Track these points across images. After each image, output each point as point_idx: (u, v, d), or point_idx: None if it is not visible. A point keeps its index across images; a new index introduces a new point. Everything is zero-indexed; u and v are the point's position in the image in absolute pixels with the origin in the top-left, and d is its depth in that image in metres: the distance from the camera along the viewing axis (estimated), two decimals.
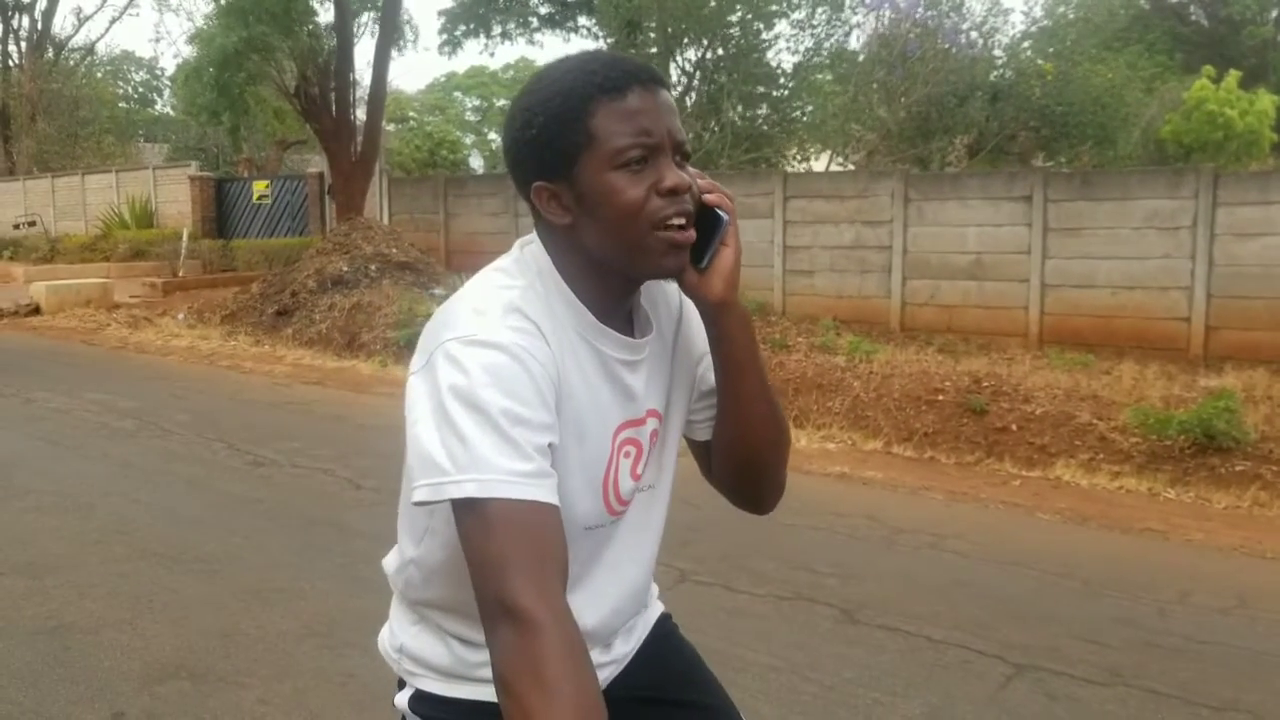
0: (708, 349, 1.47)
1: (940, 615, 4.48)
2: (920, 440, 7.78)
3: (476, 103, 39.16)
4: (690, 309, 1.51)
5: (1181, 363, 9.54)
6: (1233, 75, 17.28)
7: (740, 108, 16.23)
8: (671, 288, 1.49)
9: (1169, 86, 19.02)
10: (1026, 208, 10.60)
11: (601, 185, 1.29)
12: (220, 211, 19.68)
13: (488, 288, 1.35)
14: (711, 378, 1.49)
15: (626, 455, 1.42)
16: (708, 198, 1.35)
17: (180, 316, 14.06)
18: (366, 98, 15.63)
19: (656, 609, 1.69)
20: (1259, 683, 3.90)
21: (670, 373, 1.50)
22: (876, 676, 3.88)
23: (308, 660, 4.03)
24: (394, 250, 13.65)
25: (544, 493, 1.18)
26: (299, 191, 18.17)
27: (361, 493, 6.31)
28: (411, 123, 28.28)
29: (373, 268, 13.25)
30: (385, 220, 15.69)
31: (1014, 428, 7.75)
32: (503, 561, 1.13)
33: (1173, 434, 7.14)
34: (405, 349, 11.34)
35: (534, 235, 1.41)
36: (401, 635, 1.53)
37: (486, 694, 1.41)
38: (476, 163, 24.98)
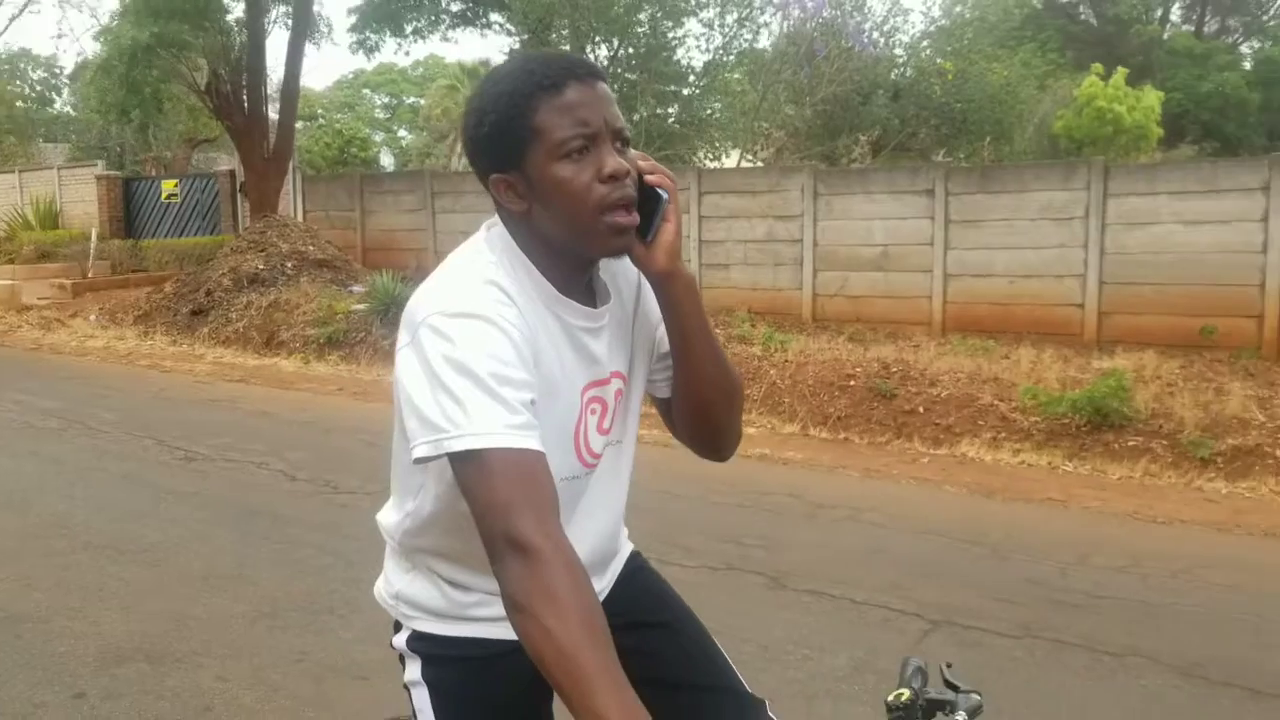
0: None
1: (861, 579, 4.79)
2: (834, 423, 8.13)
3: (386, 100, 38.75)
4: None
5: (1076, 346, 10.04)
6: (1121, 72, 18.03)
7: (653, 104, 16.51)
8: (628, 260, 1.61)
9: (1061, 83, 19.79)
10: (929, 201, 11.03)
11: (550, 175, 1.42)
12: (128, 211, 19.28)
13: (463, 264, 1.48)
14: (666, 344, 1.64)
15: (593, 412, 1.56)
16: (649, 178, 1.48)
17: (92, 318, 13.86)
18: (279, 94, 15.52)
19: (627, 548, 1.87)
20: (1152, 631, 4.28)
21: (632, 337, 1.65)
22: (806, 635, 4.16)
23: (261, 640, 4.16)
24: (311, 248, 13.63)
25: (533, 441, 1.32)
26: (209, 190, 17.92)
27: (297, 484, 6.42)
28: (321, 120, 27.99)
29: (289, 266, 13.22)
30: (299, 218, 15.62)
31: (921, 410, 8.15)
32: (505, 503, 1.27)
33: (1065, 412, 7.60)
34: (327, 346, 11.39)
35: (497, 218, 1.54)
36: (397, 583, 1.66)
37: (477, 630, 1.60)
38: (387, 160, 24.88)
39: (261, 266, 13.13)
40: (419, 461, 1.36)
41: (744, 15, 16.83)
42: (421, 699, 1.63)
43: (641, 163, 1.49)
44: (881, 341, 10.38)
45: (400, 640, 1.67)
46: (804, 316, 11.66)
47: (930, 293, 11.05)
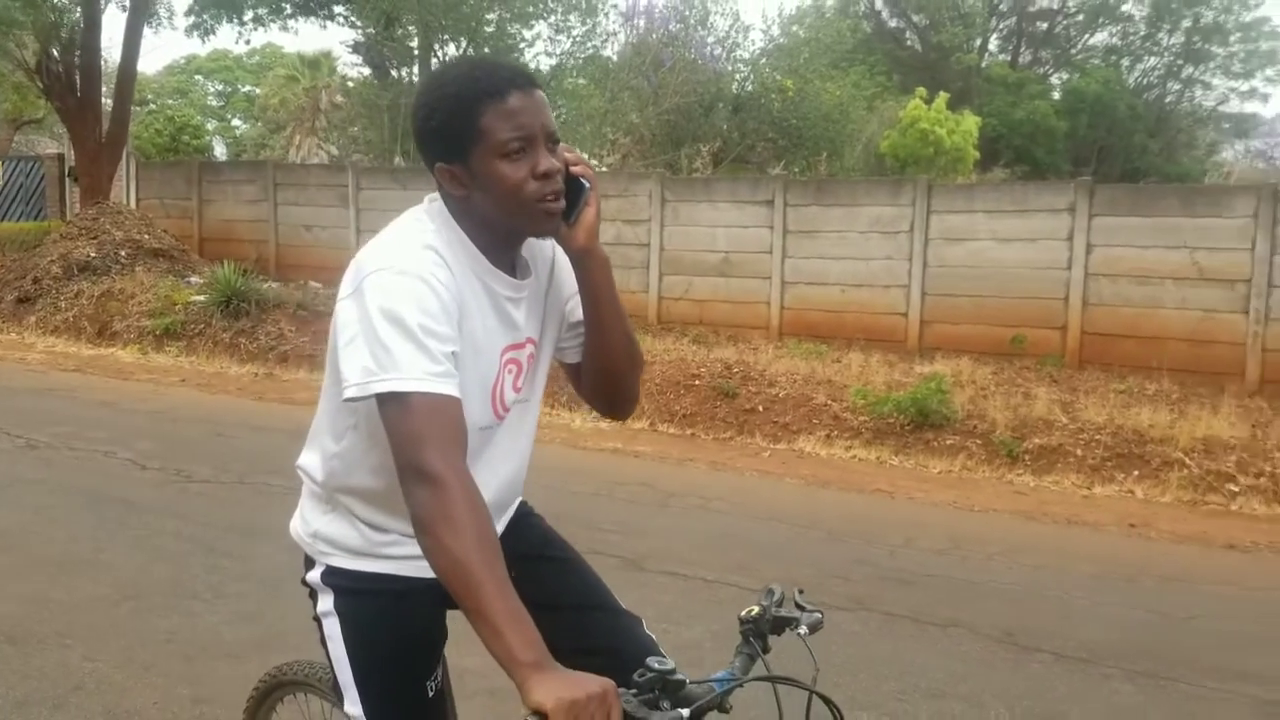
0: (575, 291, 1.83)
1: (712, 561, 5.13)
2: (681, 420, 8.50)
3: (219, 87, 37.44)
4: (560, 259, 1.85)
5: (900, 352, 10.68)
6: (942, 97, 19.08)
7: None
8: (545, 242, 1.82)
9: (887, 105, 20.79)
10: (769, 211, 11.54)
11: (491, 171, 1.62)
12: None
13: (407, 230, 1.68)
14: (578, 313, 1.85)
15: (510, 371, 1.77)
16: (574, 169, 1.69)
17: None
18: (113, 77, 14.95)
19: (519, 499, 2.09)
20: (971, 605, 4.76)
21: (544, 309, 1.85)
22: (664, 611, 4.45)
23: (127, 622, 4.19)
24: (146, 237, 13.22)
25: (450, 387, 1.51)
26: (34, 173, 17.02)
27: (148, 473, 6.35)
28: (151, 106, 26.86)
29: (123, 254, 12.80)
30: (133, 205, 15.08)
31: (761, 408, 8.60)
32: (417, 438, 1.46)
33: (890, 412, 8.17)
34: (165, 337, 11.13)
35: (437, 194, 1.73)
36: (315, 522, 1.84)
37: (388, 567, 1.79)
38: (220, 150, 24.12)
39: (94, 254, 12.68)
40: (349, 401, 1.55)
41: (587, 19, 17.16)
42: (332, 627, 1.81)
43: (568, 155, 1.69)
44: (723, 344, 10.82)
45: (315, 575, 1.84)
46: (650, 318, 12.00)
47: (769, 298, 11.55)
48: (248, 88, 35.53)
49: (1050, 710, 3.74)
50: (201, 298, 11.55)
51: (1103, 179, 13.23)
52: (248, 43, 18.94)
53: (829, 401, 8.59)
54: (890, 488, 6.88)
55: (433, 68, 17.12)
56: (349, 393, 1.53)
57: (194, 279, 12.55)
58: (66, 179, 16.02)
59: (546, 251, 1.86)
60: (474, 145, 1.62)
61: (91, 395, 8.82)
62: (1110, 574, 5.30)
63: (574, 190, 1.69)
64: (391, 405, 1.49)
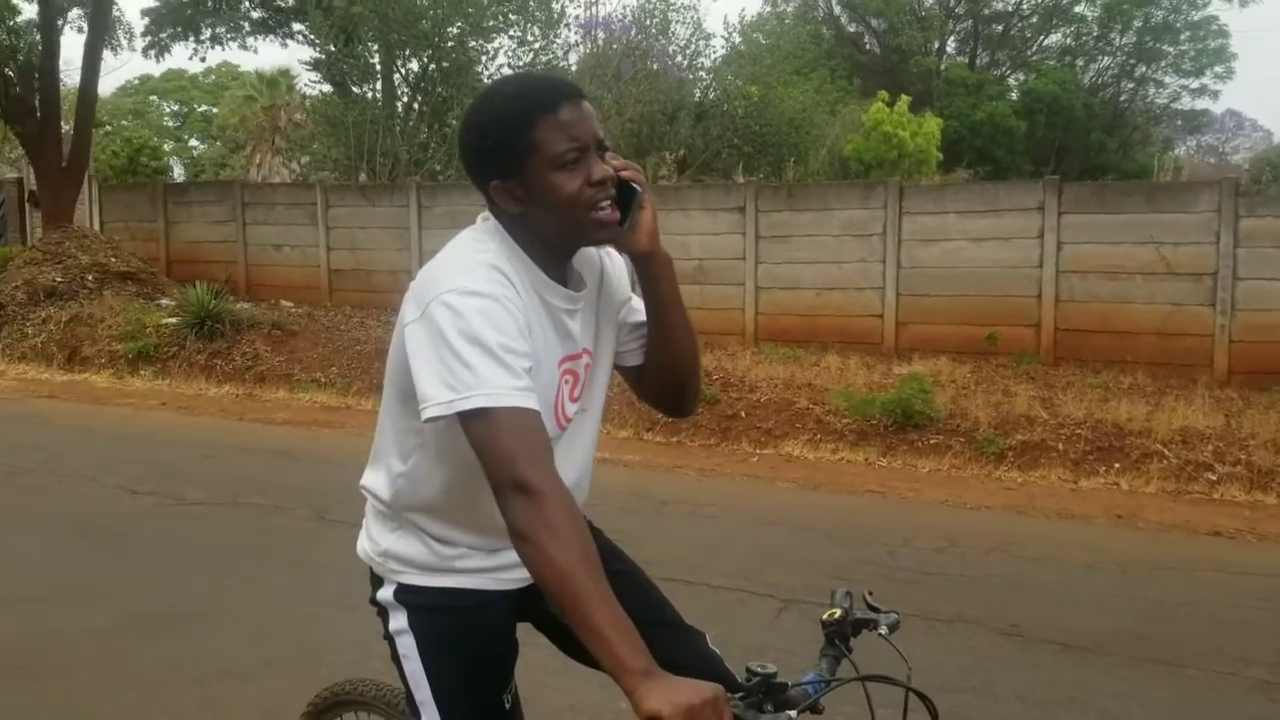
0: (626, 297, 1.89)
1: (715, 567, 5.14)
2: (664, 428, 8.51)
3: (175, 107, 37.04)
4: (609, 267, 1.90)
5: (877, 354, 10.77)
6: (904, 100, 19.27)
7: None
8: (593, 251, 1.85)
9: (850, 109, 20.97)
10: (741, 218, 11.61)
11: (547, 183, 1.65)
12: None
13: (467, 251, 1.71)
14: (634, 317, 1.90)
15: (567, 382, 1.79)
16: (624, 175, 1.71)
17: None
18: (75, 100, 14.75)
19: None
20: (974, 600, 4.81)
21: (597, 318, 1.87)
22: None
23: (132, 649, 4.17)
24: (113, 260, 13.07)
25: (533, 401, 1.55)
26: None
27: (139, 498, 6.28)
28: (107, 127, 26.46)
29: (90, 278, 12.64)
30: (96, 229, 14.89)
31: (743, 414, 8.64)
32: (511, 452, 1.49)
33: (876, 413, 8.24)
34: (139, 361, 11.00)
35: (488, 212, 1.76)
36: (383, 541, 1.86)
37: (460, 581, 1.82)
38: (178, 170, 23.86)
39: (59, 279, 12.52)
40: (429, 421, 1.56)
41: (549, 32, 17.16)
42: (407, 645, 1.82)
43: (614, 161, 1.71)
44: (700, 351, 10.84)
45: (386, 594, 1.85)
46: None
47: (743, 304, 11.61)
48: (204, 107, 35.19)
49: (1061, 698, 3.80)
50: (174, 320, 11.43)
51: (1063, 177, 13.31)
52: (203, 60, 18.81)
53: (811, 405, 8.65)
54: (881, 488, 6.94)
55: (395, 83, 17.08)
56: (432, 412, 1.54)
57: (165, 301, 12.43)
58: (26, 204, 15.79)
59: (595, 261, 1.88)
60: (529, 159, 1.65)
61: (68, 421, 8.70)
62: (1104, 564, 5.39)
63: (626, 196, 1.72)
64: (479, 423, 1.51)
